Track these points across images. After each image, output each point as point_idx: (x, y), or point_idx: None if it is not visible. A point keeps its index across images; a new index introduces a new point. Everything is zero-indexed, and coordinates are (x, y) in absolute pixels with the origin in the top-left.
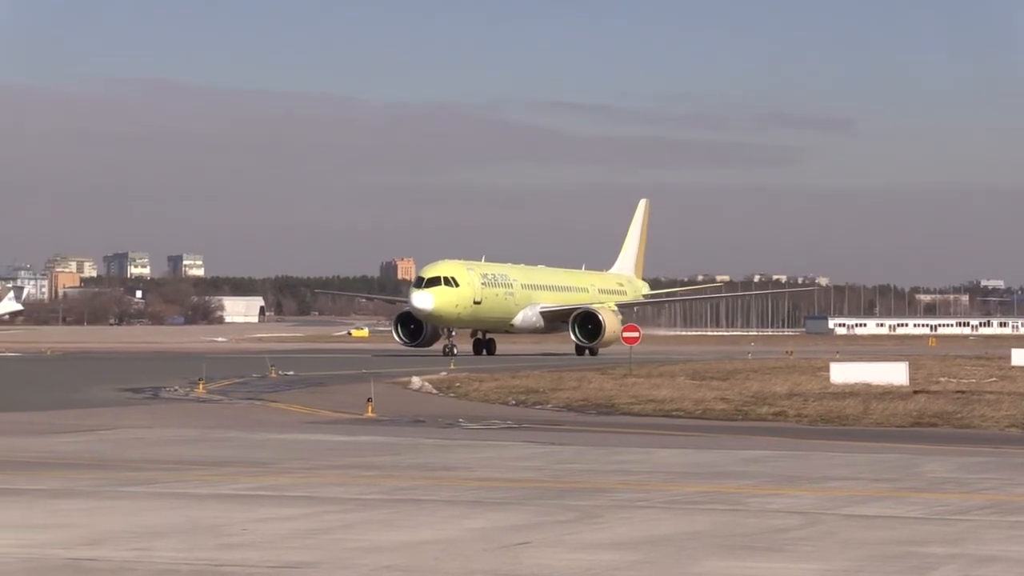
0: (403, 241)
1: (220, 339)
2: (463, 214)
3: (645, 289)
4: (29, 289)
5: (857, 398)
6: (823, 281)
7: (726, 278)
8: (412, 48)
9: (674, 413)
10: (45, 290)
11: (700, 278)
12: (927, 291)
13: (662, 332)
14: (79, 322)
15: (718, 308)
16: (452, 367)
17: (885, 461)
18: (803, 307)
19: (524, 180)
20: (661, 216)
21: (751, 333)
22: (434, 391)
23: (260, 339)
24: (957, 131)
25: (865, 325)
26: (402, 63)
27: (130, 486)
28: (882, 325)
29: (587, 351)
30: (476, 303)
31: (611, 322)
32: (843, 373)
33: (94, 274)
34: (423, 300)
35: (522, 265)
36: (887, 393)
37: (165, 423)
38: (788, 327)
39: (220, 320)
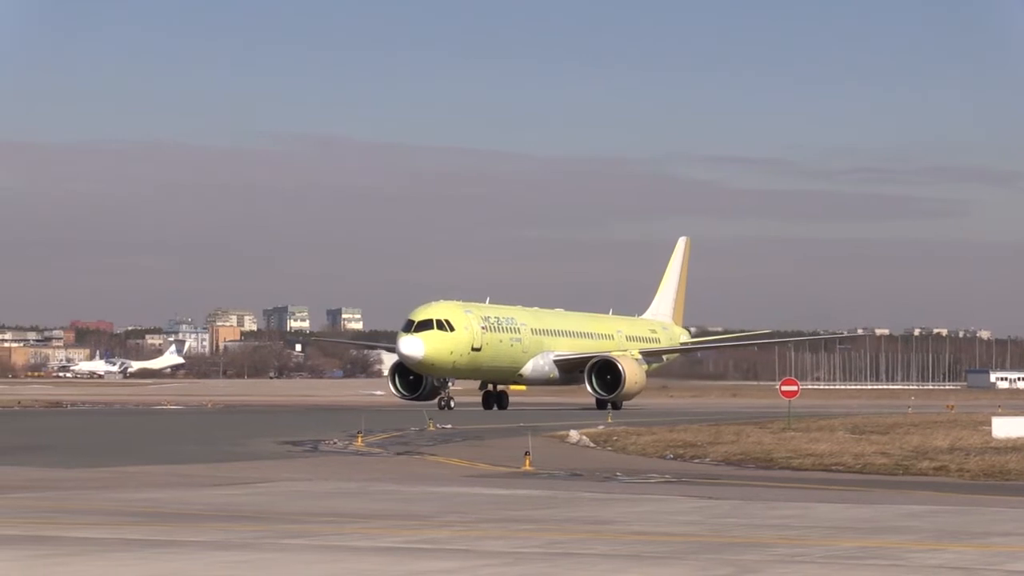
0: (561, 295)
1: (378, 392)
2: (624, 268)
3: (684, 336)
4: (190, 343)
5: (1020, 453)
6: (985, 335)
7: (886, 332)
8: (574, 103)
9: (833, 467)
10: (206, 344)
11: (860, 331)
12: None
13: (822, 386)
14: (239, 375)
15: (878, 361)
16: (609, 420)
17: None
18: (964, 361)
19: (686, 234)
20: (824, 269)
21: (911, 387)
22: (592, 444)
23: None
24: None
25: None
26: (564, 118)
27: (290, 538)
28: None
29: (609, 404)
30: (475, 350)
31: (632, 372)
32: (1005, 428)
33: (254, 328)
34: (412, 346)
35: (535, 308)
36: None
37: (324, 476)
38: (949, 381)
39: (379, 373)
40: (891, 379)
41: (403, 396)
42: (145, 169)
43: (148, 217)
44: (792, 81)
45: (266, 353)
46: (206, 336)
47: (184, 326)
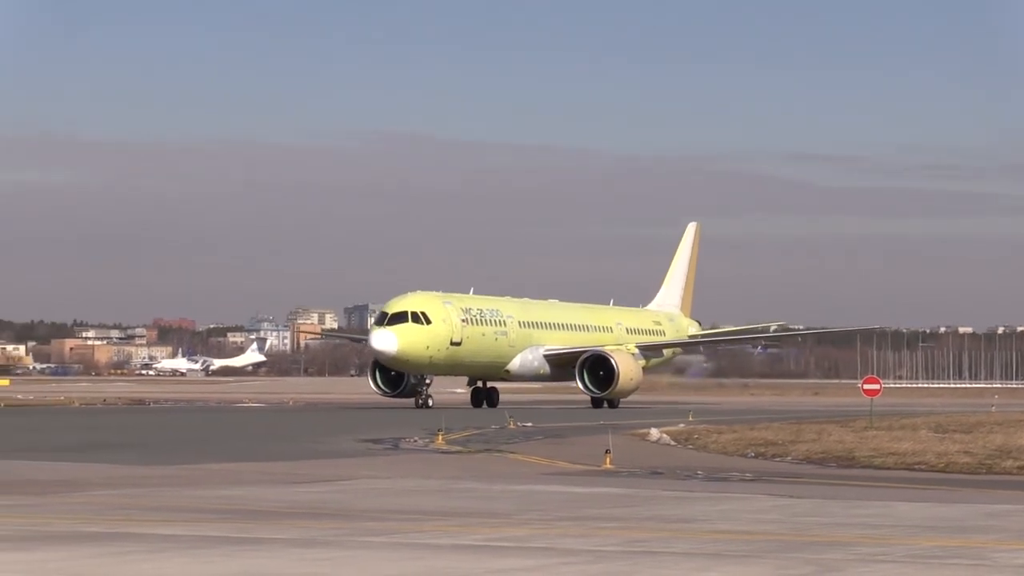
0: (635, 292)
1: (459, 390)
2: (704, 266)
3: (693, 328)
4: (272, 340)
5: None
6: None
7: (969, 330)
8: (651, 99)
9: (916, 466)
10: (287, 341)
11: (942, 330)
12: None
13: (904, 384)
14: (320, 373)
15: (960, 360)
16: (690, 418)
17: None
18: None
19: (764, 231)
20: (906, 267)
21: (994, 385)
22: (672, 443)
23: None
24: None
25: None
26: (640, 115)
27: (370, 536)
28: None
29: (604, 403)
30: (454, 344)
31: (627, 367)
32: None
33: (335, 325)
34: (384, 340)
35: (525, 299)
36: None
37: (404, 474)
38: None
39: None
40: (974, 377)
41: (384, 393)
42: (227, 167)
43: (230, 215)
44: (867, 78)
45: (347, 350)
46: (287, 334)
47: (266, 324)
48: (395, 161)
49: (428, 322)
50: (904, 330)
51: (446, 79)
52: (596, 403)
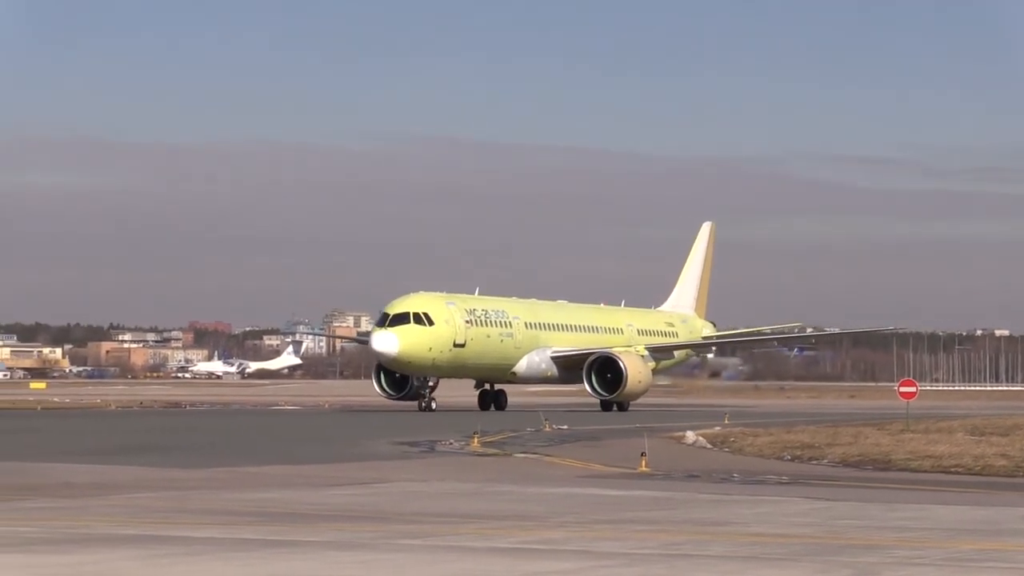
0: (650, 294)
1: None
2: (738, 268)
3: (707, 330)
4: (307, 343)
5: None
6: None
7: (1006, 332)
8: (667, 100)
9: (952, 469)
10: (323, 344)
11: (979, 332)
12: None
13: (941, 387)
14: (356, 376)
15: (997, 362)
16: (726, 421)
17: None
18: None
19: (794, 233)
20: (942, 269)
21: None
22: (708, 445)
23: (534, 393)
24: None
25: None
26: (653, 116)
27: (406, 539)
28: None
29: (614, 405)
30: (458, 346)
31: (635, 369)
32: None
33: (370, 328)
34: (385, 342)
35: (532, 299)
36: None
37: (440, 476)
38: None
39: None
40: (1011, 380)
41: (389, 396)
42: (262, 170)
43: (265, 218)
44: (907, 79)
45: None
46: (323, 337)
47: (301, 327)
48: (417, 162)
49: (431, 323)
50: (940, 333)
51: (470, 82)
52: (605, 406)
